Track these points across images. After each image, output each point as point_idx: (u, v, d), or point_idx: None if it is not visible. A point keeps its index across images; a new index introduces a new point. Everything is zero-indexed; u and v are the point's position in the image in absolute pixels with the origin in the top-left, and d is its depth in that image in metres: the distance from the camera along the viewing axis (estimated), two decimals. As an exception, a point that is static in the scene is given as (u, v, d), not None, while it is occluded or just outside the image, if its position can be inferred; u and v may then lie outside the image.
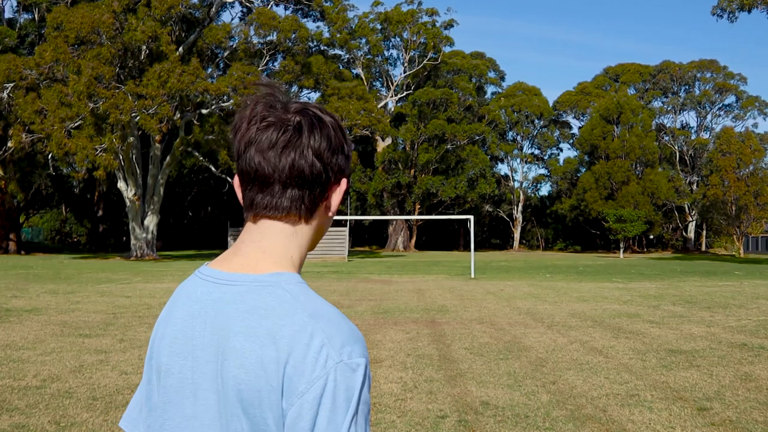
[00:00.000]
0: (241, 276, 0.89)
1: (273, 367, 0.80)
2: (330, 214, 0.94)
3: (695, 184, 56.14)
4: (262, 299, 0.85)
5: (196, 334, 0.89)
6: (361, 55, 50.29)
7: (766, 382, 5.72)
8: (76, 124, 28.07)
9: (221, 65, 36.46)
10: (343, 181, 0.93)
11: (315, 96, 50.18)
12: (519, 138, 59.98)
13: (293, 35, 33.19)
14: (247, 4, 36.59)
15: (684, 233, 57.17)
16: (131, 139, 31.67)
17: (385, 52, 51.23)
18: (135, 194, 32.51)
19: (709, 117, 58.37)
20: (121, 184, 32.54)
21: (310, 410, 0.78)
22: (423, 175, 50.91)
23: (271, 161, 0.88)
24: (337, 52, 48.84)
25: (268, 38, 33.71)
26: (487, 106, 57.39)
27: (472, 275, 20.23)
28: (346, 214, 53.24)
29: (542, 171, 62.52)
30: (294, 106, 0.91)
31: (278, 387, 0.80)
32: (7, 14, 46.63)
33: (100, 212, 47.10)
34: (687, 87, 58.62)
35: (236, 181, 0.94)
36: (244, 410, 0.81)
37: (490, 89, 63.60)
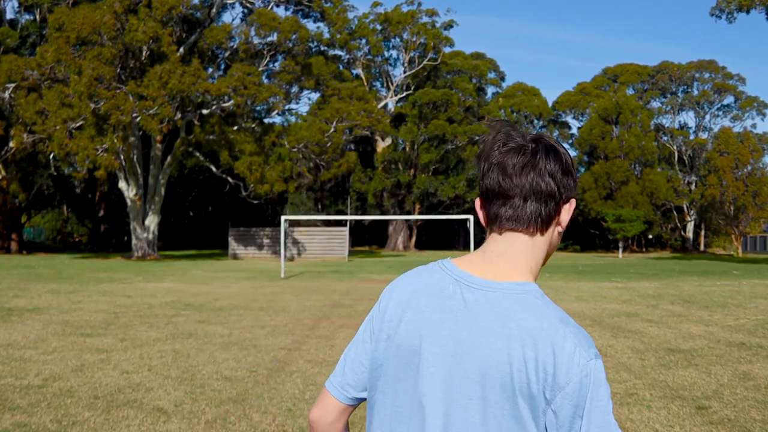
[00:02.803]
0: (493, 283, 1.02)
1: (532, 364, 0.95)
2: (561, 228, 1.09)
3: (694, 184, 56.14)
4: (516, 306, 1.00)
5: (445, 326, 1.01)
6: (361, 56, 50.29)
7: (765, 381, 5.74)
8: (77, 125, 28.10)
9: (222, 66, 36.48)
10: (572, 201, 1.08)
11: (315, 96, 50.16)
12: (519, 138, 59.98)
13: (294, 36, 33.20)
14: (248, 4, 36.61)
15: (682, 233, 57.18)
16: (132, 139, 31.68)
17: (385, 53, 51.24)
18: (136, 194, 32.53)
19: (707, 117, 58.40)
20: (122, 184, 32.56)
21: (571, 400, 0.94)
22: (423, 175, 50.91)
23: (513, 179, 1.03)
24: (338, 52, 48.82)
25: (269, 39, 33.72)
26: (486, 106, 57.38)
27: (472, 275, 20.20)
28: (346, 214, 53.28)
29: (542, 171, 62.49)
30: (530, 135, 1.07)
31: (536, 381, 0.94)
32: (9, 15, 46.64)
33: (102, 212, 47.12)
34: (685, 87, 58.63)
35: (478, 203, 1.10)
36: (504, 394, 0.95)
37: (490, 90, 63.61)
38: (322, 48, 42.71)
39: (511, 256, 1.04)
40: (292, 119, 47.92)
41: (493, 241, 1.07)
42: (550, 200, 1.03)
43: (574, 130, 61.67)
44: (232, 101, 30.44)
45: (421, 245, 57.81)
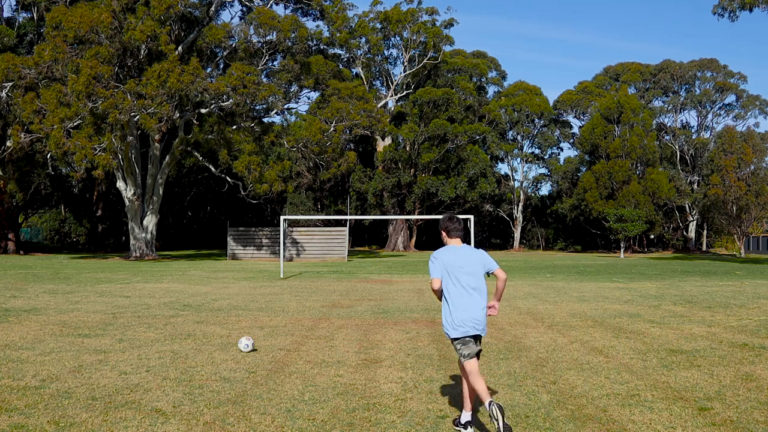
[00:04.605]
0: (463, 246, 4.43)
1: (483, 258, 4.42)
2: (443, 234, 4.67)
3: (696, 184, 56.11)
4: (470, 248, 4.42)
5: (462, 257, 4.36)
6: (361, 55, 50.25)
7: (767, 382, 5.71)
8: (75, 124, 28.03)
9: (221, 65, 36.41)
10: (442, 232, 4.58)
11: (315, 96, 50.08)
12: (519, 137, 59.95)
13: (293, 34, 33.13)
14: (247, 3, 36.54)
15: (684, 233, 57.16)
16: (130, 138, 31.62)
17: (385, 51, 51.21)
18: (134, 194, 32.47)
19: (709, 116, 58.38)
20: (120, 184, 32.49)
21: (485, 262, 4.43)
22: (423, 175, 50.86)
23: (461, 226, 4.53)
24: (337, 51, 48.77)
25: (268, 38, 33.65)
26: (487, 105, 57.32)
27: (472, 275, 20.16)
28: (346, 214, 53.21)
29: (542, 170, 62.53)
30: (458, 216, 4.61)
31: (484, 260, 4.41)
32: (6, 13, 46.58)
33: (100, 212, 47.05)
34: (687, 86, 58.61)
35: (445, 235, 4.52)
36: (480, 267, 4.37)
37: (491, 89, 63.56)
38: (322, 47, 42.64)
39: (462, 242, 4.50)
40: (292, 119, 47.87)
41: (456, 240, 4.49)
42: (465, 230, 4.74)
43: (576, 129, 61.64)
44: (231, 100, 30.37)
45: (421, 245, 57.75)
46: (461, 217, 4.66)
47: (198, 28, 33.59)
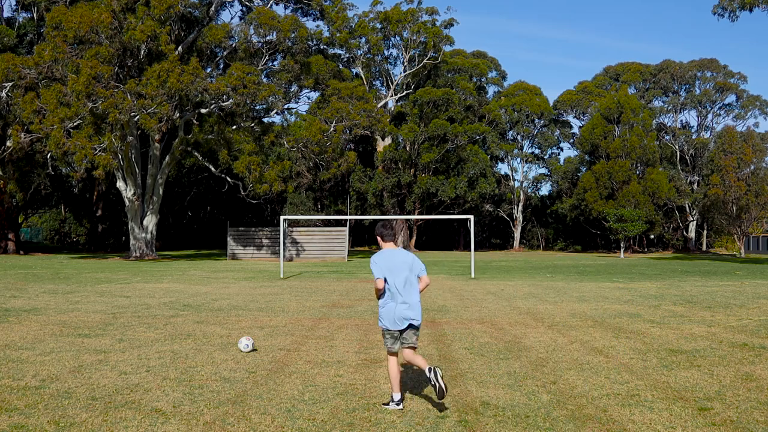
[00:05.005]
0: (397, 249, 5.04)
1: (414, 261, 5.02)
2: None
3: (696, 184, 56.11)
4: (404, 252, 5.04)
5: (397, 259, 4.91)
6: (361, 55, 50.25)
7: (767, 382, 5.71)
8: (75, 124, 28.03)
9: (221, 65, 36.40)
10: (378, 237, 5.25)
11: (315, 96, 50.07)
12: (519, 137, 59.94)
13: (293, 34, 33.13)
14: (247, 3, 36.54)
15: (684, 233, 57.16)
16: (130, 138, 31.62)
17: (385, 51, 51.20)
18: (134, 194, 32.47)
19: (709, 116, 58.38)
20: (120, 184, 32.49)
21: (418, 265, 5.06)
22: (423, 175, 50.85)
23: (396, 231, 5.47)
24: (337, 51, 48.78)
25: (268, 38, 33.65)
26: (487, 105, 57.31)
27: (473, 275, 20.21)
28: (346, 214, 53.19)
29: (542, 170, 62.52)
30: (390, 222, 5.66)
31: (414, 263, 5.01)
32: (6, 13, 46.59)
33: (100, 212, 47.04)
34: (687, 86, 58.61)
35: (380, 240, 5.14)
36: (412, 269, 4.97)
37: (491, 89, 63.55)
38: (322, 47, 42.64)
39: (397, 246, 6.11)
40: (292, 119, 47.87)
41: (390, 245, 5.10)
42: (396, 235, 4.74)
43: (576, 129, 61.63)
44: (231, 100, 30.37)
45: (421, 245, 57.75)
46: (395, 218, 5.98)
47: (198, 28, 33.59)
